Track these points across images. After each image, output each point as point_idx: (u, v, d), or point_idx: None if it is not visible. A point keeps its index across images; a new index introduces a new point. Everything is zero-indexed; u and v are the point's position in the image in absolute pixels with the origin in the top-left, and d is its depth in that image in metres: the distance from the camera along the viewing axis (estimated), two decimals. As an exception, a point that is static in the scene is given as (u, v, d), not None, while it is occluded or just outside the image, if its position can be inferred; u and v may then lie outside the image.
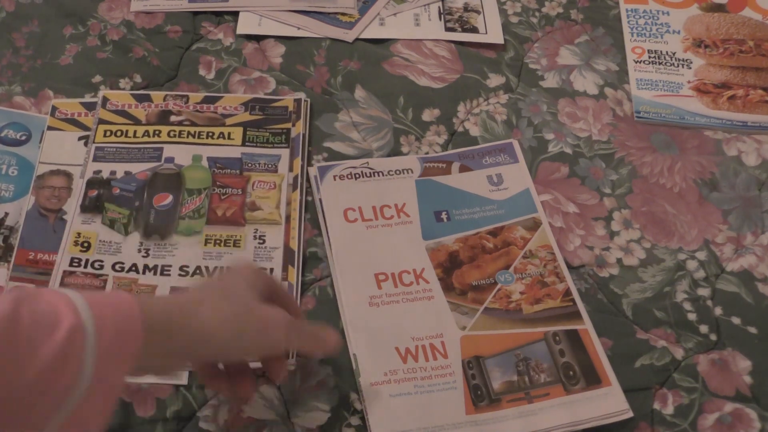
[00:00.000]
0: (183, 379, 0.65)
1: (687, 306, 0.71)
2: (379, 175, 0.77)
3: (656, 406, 0.65)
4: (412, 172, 0.78)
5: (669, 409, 0.65)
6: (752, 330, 0.70)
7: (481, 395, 0.64)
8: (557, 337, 0.67)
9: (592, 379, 0.65)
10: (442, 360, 0.66)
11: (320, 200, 0.75)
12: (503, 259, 0.72)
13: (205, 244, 0.72)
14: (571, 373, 0.65)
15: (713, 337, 0.69)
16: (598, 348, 0.67)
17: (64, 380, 0.43)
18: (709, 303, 0.71)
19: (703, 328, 0.70)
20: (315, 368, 0.66)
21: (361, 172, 0.77)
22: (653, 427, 0.64)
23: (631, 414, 0.63)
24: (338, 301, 0.69)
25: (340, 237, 0.73)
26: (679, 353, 0.68)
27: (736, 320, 0.70)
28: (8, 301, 0.43)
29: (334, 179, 0.76)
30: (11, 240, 0.72)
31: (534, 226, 0.75)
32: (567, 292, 0.70)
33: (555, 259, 0.72)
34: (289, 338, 0.57)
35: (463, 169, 0.79)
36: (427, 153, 0.81)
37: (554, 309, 0.69)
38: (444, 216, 0.75)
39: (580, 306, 0.69)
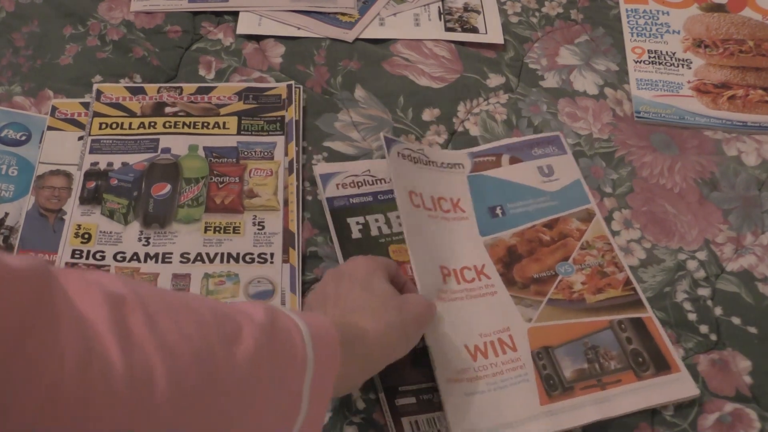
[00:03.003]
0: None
1: (687, 306, 0.71)
2: (433, 165, 0.77)
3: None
4: (462, 167, 0.78)
5: (669, 409, 0.65)
6: (752, 330, 0.70)
7: (554, 384, 0.64)
8: (623, 325, 0.67)
9: (662, 365, 0.65)
10: (511, 353, 0.65)
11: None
12: (561, 251, 0.73)
13: (205, 232, 0.73)
14: (640, 359, 0.65)
15: (713, 337, 0.69)
16: (663, 335, 0.67)
17: (294, 407, 0.45)
18: (709, 303, 0.71)
19: (703, 328, 0.70)
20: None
21: (420, 158, 0.77)
22: (653, 427, 0.64)
23: (698, 392, 0.64)
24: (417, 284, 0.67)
25: (410, 218, 0.70)
26: (679, 353, 0.68)
27: (736, 320, 0.70)
28: (263, 312, 0.45)
29: (399, 156, 0.75)
30: (11, 240, 0.72)
31: (588, 217, 0.75)
32: (627, 282, 0.71)
33: (612, 249, 0.73)
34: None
35: (513, 161, 0.79)
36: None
37: (616, 298, 0.70)
38: (498, 211, 0.75)
39: (642, 295, 0.70)
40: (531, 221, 0.75)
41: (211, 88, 0.83)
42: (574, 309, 0.69)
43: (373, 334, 0.54)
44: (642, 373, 0.65)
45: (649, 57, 0.90)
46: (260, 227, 0.73)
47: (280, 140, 0.79)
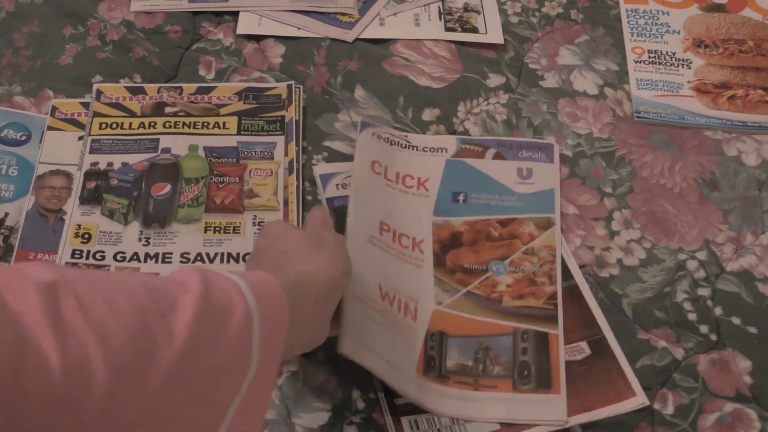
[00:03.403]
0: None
1: (687, 306, 0.71)
2: (413, 149, 0.78)
3: (656, 406, 0.65)
4: (446, 151, 0.79)
5: (669, 409, 0.65)
6: (752, 330, 0.70)
7: (432, 366, 0.65)
8: (525, 336, 0.67)
9: (544, 383, 0.64)
10: (410, 321, 0.66)
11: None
12: (503, 249, 0.72)
13: (205, 232, 0.73)
14: (525, 372, 0.65)
15: (713, 337, 0.69)
16: (561, 356, 0.66)
17: (242, 364, 0.44)
18: (709, 303, 0.71)
19: (703, 328, 0.70)
20: (317, 369, 0.66)
21: (398, 142, 0.78)
22: (653, 427, 0.64)
23: (565, 425, 0.63)
24: (346, 224, 0.69)
25: (363, 179, 0.73)
26: (679, 353, 0.68)
27: (736, 320, 0.70)
28: (198, 280, 0.44)
29: (373, 135, 0.77)
30: (11, 240, 0.72)
31: (546, 225, 0.74)
32: (553, 296, 0.69)
33: (553, 261, 0.72)
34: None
35: (498, 156, 0.79)
36: (427, 153, 0.81)
37: (534, 308, 0.69)
38: (461, 198, 0.75)
39: (560, 313, 0.68)
40: (487, 214, 0.74)
41: (211, 88, 0.83)
42: (487, 308, 0.68)
43: (315, 274, 0.55)
44: (520, 386, 0.64)
45: (649, 57, 0.90)
46: (260, 227, 0.73)
47: (280, 140, 0.79)
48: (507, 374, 0.65)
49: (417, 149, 0.78)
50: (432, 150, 0.79)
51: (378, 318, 0.64)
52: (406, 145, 0.78)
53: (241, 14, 0.92)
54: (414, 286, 0.69)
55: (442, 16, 0.93)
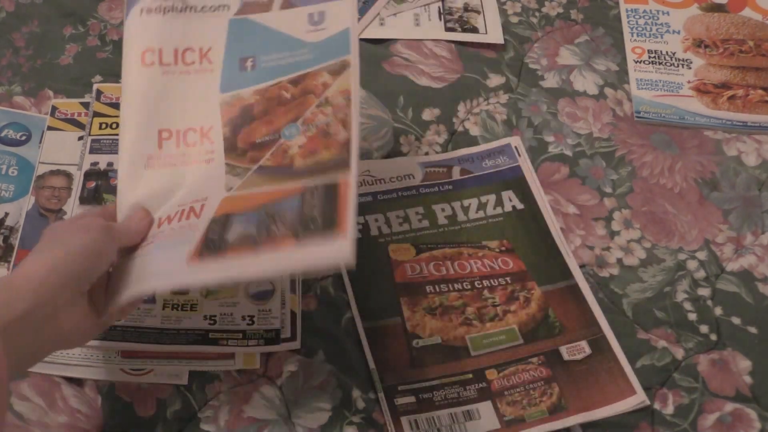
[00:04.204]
0: (183, 379, 0.65)
1: (687, 306, 0.71)
2: (191, 10, 0.67)
3: (656, 406, 0.65)
4: (228, 8, 0.68)
5: (669, 409, 0.65)
6: (752, 330, 0.70)
7: (211, 247, 0.57)
8: (314, 192, 0.57)
9: (328, 228, 0.55)
10: (193, 219, 0.60)
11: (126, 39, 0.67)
12: (296, 110, 0.62)
13: None
14: (311, 226, 0.56)
15: (713, 337, 0.69)
16: (351, 199, 0.55)
17: None
18: (709, 303, 0.71)
19: (704, 328, 0.70)
20: (317, 368, 0.66)
21: (173, 6, 0.67)
22: (653, 427, 0.64)
23: (348, 260, 0.52)
24: (118, 159, 0.64)
25: (132, 80, 0.65)
26: (679, 353, 0.68)
27: (736, 320, 0.70)
28: None
29: (141, 13, 0.66)
30: (11, 240, 0.72)
31: (340, 69, 0.61)
32: (346, 143, 0.58)
33: (349, 106, 0.60)
34: (109, 237, 0.56)
35: (285, 5, 0.67)
36: (426, 153, 0.81)
37: (326, 162, 0.58)
38: (249, 63, 0.65)
39: (353, 154, 0.57)
40: (279, 76, 0.64)
41: None
42: (278, 176, 0.60)
43: (21, 266, 0.52)
44: (302, 235, 0.55)
45: (649, 57, 0.90)
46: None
47: None
48: (291, 231, 0.56)
49: (195, 10, 0.67)
50: (212, 9, 0.68)
51: (145, 251, 0.59)
52: (183, 8, 0.67)
53: (241, 14, 0.92)
54: (201, 186, 0.62)
55: (442, 16, 0.93)
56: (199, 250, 0.57)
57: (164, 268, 0.57)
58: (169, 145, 0.64)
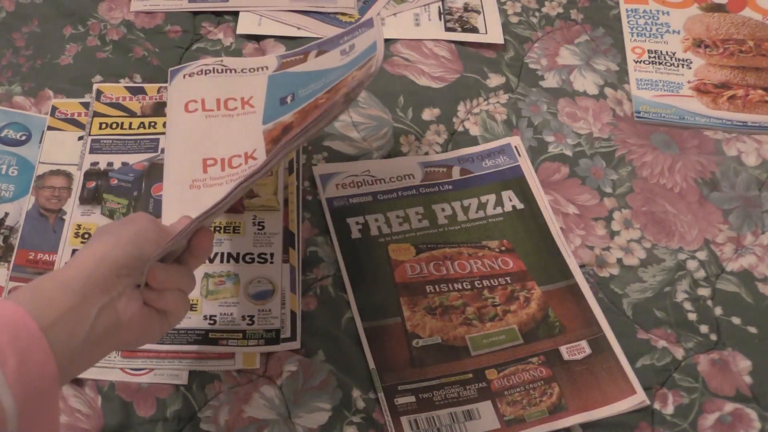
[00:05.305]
0: (183, 379, 0.65)
1: (687, 306, 0.71)
2: (231, 72, 0.75)
3: (656, 406, 0.65)
4: (267, 68, 0.75)
5: (669, 409, 0.65)
6: (752, 330, 0.70)
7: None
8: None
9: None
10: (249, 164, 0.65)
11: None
12: (327, 103, 0.63)
13: None
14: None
15: (713, 337, 0.69)
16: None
17: None
18: (709, 303, 0.71)
19: (704, 328, 0.70)
20: (317, 368, 0.66)
21: (214, 68, 0.75)
22: (653, 427, 0.64)
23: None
24: (162, 187, 0.68)
25: (176, 123, 0.71)
26: (679, 353, 0.68)
27: (736, 320, 0.70)
28: None
29: (184, 78, 0.75)
30: (11, 240, 0.72)
31: (366, 63, 0.62)
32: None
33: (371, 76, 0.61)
34: (156, 226, 0.56)
35: (320, 53, 0.73)
36: (426, 153, 0.81)
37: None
38: (289, 98, 0.70)
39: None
40: (314, 96, 0.67)
41: None
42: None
43: (68, 264, 0.51)
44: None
45: (649, 57, 0.90)
46: (260, 227, 0.73)
47: None
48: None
49: (236, 72, 0.75)
50: (252, 70, 0.75)
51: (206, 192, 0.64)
52: (222, 69, 0.75)
53: (241, 14, 0.92)
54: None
55: (442, 16, 0.93)
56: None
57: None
58: (214, 169, 0.68)
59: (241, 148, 0.69)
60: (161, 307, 0.55)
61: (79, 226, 0.72)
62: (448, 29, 0.92)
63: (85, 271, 0.50)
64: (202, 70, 0.75)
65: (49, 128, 0.80)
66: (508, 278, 0.72)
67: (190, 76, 0.75)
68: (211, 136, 0.71)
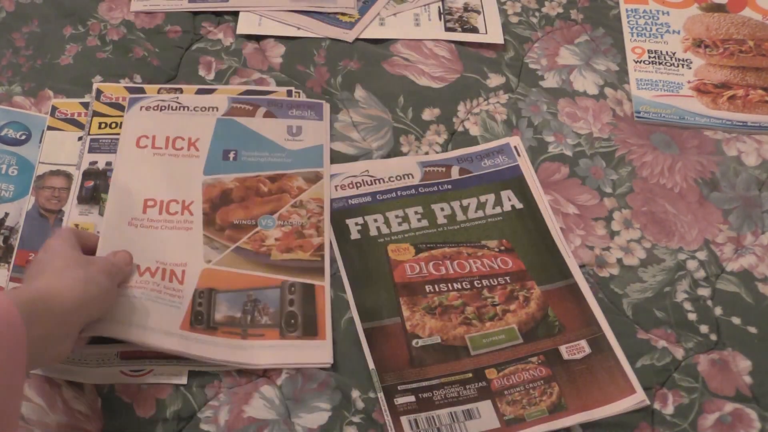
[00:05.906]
0: (183, 379, 0.65)
1: (687, 306, 0.71)
2: (184, 110, 0.79)
3: (656, 406, 0.65)
4: (216, 110, 0.80)
5: (669, 409, 0.65)
6: (752, 330, 0.70)
7: (201, 320, 0.66)
8: (293, 288, 0.69)
9: (310, 330, 0.67)
10: (176, 284, 0.68)
11: None
12: (273, 204, 0.74)
13: None
14: (292, 321, 0.67)
15: (713, 337, 0.69)
16: (327, 305, 0.69)
17: None
18: (709, 303, 0.71)
19: (704, 328, 0.70)
20: (317, 369, 0.66)
21: (168, 105, 0.79)
22: (653, 427, 0.64)
23: (329, 363, 0.66)
24: (105, 211, 0.72)
25: (126, 157, 0.75)
26: (679, 353, 0.68)
27: (736, 320, 0.70)
28: None
29: (141, 109, 0.79)
30: (11, 240, 0.72)
31: (314, 179, 0.76)
32: (320, 248, 0.72)
33: (321, 213, 0.74)
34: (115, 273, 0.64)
35: (268, 115, 0.80)
36: (426, 153, 0.81)
37: (302, 261, 0.71)
38: (232, 155, 0.77)
39: (327, 263, 0.71)
40: (258, 171, 0.76)
41: (211, 91, 0.83)
42: (256, 262, 0.70)
43: (59, 290, 0.56)
44: (287, 333, 0.67)
45: (649, 57, 0.90)
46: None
47: None
48: (274, 323, 0.67)
49: (188, 109, 0.79)
50: (203, 109, 0.80)
51: (133, 293, 0.65)
52: (177, 107, 0.79)
53: (241, 14, 0.92)
54: (182, 250, 0.70)
55: (442, 16, 0.93)
56: (190, 320, 0.66)
57: (160, 327, 0.64)
58: (153, 211, 0.72)
59: (180, 194, 0.73)
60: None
61: (76, 226, 0.72)
62: (448, 29, 0.92)
63: (57, 298, 0.56)
64: (158, 106, 0.79)
65: (49, 128, 0.80)
66: (507, 278, 0.72)
67: (147, 109, 0.79)
68: (154, 175, 0.74)
